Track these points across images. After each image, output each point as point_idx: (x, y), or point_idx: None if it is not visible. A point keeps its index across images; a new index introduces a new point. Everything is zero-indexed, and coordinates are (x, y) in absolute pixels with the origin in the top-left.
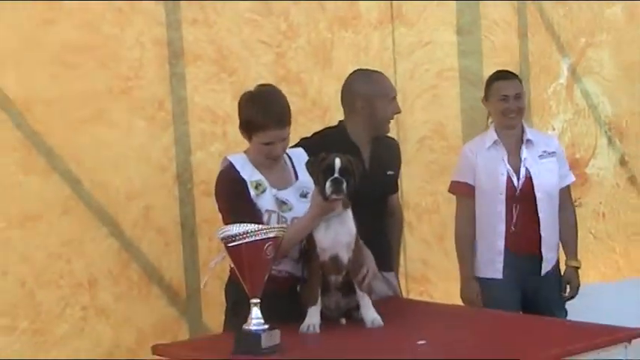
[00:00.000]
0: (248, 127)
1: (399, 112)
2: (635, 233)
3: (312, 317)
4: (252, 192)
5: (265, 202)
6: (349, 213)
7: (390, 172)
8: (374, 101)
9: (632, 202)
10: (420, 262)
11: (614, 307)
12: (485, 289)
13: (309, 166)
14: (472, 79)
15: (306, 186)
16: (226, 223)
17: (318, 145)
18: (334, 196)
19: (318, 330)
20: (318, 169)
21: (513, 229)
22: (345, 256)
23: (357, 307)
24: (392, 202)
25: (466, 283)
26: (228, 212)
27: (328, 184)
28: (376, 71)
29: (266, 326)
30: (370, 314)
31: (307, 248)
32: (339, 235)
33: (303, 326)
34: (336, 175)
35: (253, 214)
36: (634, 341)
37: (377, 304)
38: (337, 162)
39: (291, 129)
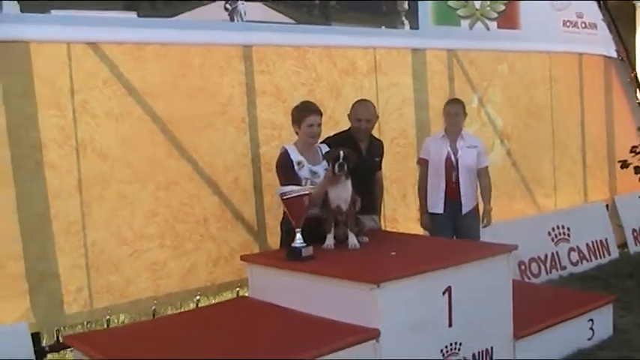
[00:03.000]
0: (300, 116)
1: (366, 128)
2: (514, 194)
3: (329, 240)
4: (296, 167)
5: (304, 173)
6: (349, 182)
7: (377, 159)
8: (350, 120)
9: (512, 176)
10: (392, 210)
11: (505, 236)
12: (434, 220)
13: (325, 155)
14: (422, 105)
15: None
16: (280, 182)
17: (336, 141)
18: (339, 173)
19: (332, 247)
20: (330, 157)
21: (453, 186)
22: (344, 206)
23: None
24: (378, 176)
25: (423, 216)
26: (281, 179)
27: (336, 165)
28: (361, 101)
29: (305, 244)
30: (352, 241)
31: (324, 200)
32: (341, 194)
33: (324, 245)
34: (341, 160)
35: (296, 181)
36: (512, 252)
37: (367, 233)
38: (341, 153)
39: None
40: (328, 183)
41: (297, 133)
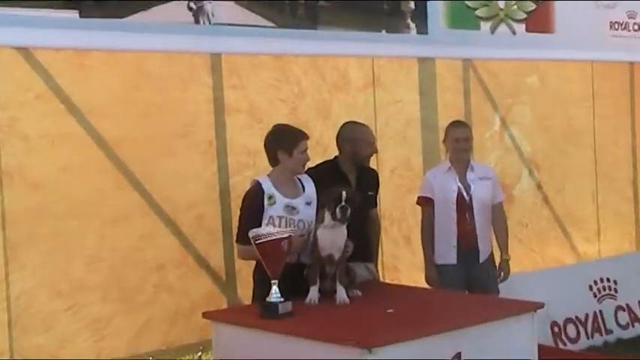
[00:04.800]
0: (293, 140)
1: (376, 153)
2: (547, 237)
3: (312, 293)
4: (266, 202)
5: (275, 210)
6: (344, 227)
7: (370, 193)
8: (357, 144)
9: (545, 215)
10: (392, 256)
11: (533, 291)
12: (443, 273)
13: (323, 197)
14: (430, 127)
15: (309, 196)
16: (239, 225)
17: (319, 173)
18: (340, 218)
19: (317, 302)
20: (330, 198)
21: (467, 229)
22: (336, 256)
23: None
24: (372, 214)
25: (428, 268)
26: (241, 221)
27: (337, 210)
28: (360, 123)
29: (282, 299)
30: (340, 295)
31: (312, 244)
32: (336, 241)
33: (307, 299)
34: (343, 203)
35: (256, 224)
36: (539, 311)
37: (360, 286)
38: (344, 194)
39: None
40: (321, 228)
41: (272, 164)
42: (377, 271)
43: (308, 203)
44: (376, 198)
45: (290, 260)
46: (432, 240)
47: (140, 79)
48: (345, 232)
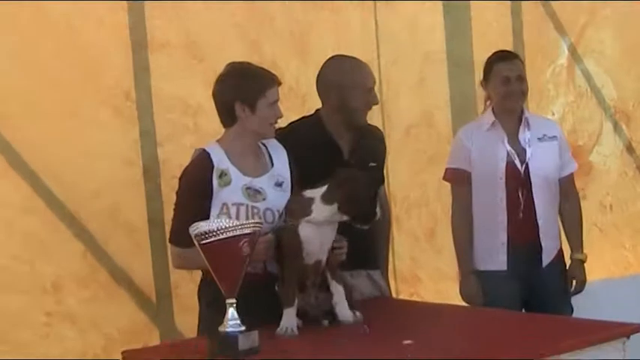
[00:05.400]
0: (252, 93)
1: (376, 104)
2: None
3: (289, 319)
4: (216, 182)
5: (230, 194)
6: (336, 223)
7: (373, 164)
8: (347, 92)
9: (639, 191)
10: (410, 259)
11: (622, 305)
12: (487, 283)
13: (339, 188)
14: (461, 63)
15: (281, 174)
16: (174, 218)
17: (294, 136)
18: (362, 226)
19: (296, 332)
20: (353, 191)
21: (521, 215)
22: (324, 260)
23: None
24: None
25: (465, 278)
26: (178, 207)
27: (379, 210)
28: (353, 58)
29: (243, 327)
30: (345, 311)
31: (288, 247)
32: (325, 242)
33: (281, 328)
34: (376, 205)
35: (202, 213)
36: (633, 337)
37: (361, 305)
38: (380, 187)
39: None
40: (303, 223)
41: (226, 125)
42: (387, 282)
43: (279, 184)
44: (383, 172)
45: (253, 270)
46: (469, 235)
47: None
48: (336, 226)
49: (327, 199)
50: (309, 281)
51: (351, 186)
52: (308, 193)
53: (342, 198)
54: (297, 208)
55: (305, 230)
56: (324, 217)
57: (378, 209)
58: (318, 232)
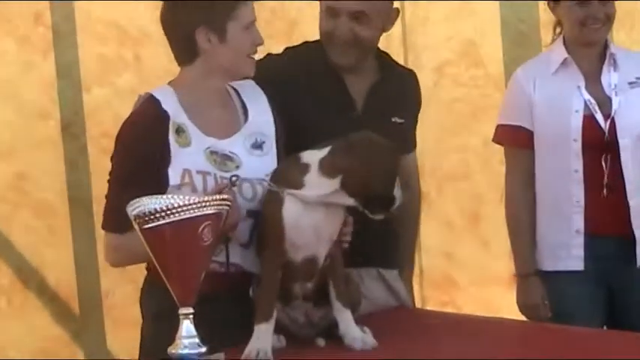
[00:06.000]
0: (220, 13)
1: (386, 31)
2: None
3: (262, 339)
4: (173, 140)
5: (189, 159)
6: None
7: (396, 120)
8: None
9: None
10: (442, 256)
11: None
12: (555, 289)
13: (341, 156)
14: None
15: (260, 131)
16: (109, 192)
17: (282, 73)
18: (377, 215)
19: (270, 357)
20: (378, 170)
21: (605, 193)
22: (322, 257)
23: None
24: (404, 167)
25: (524, 282)
26: (116, 176)
27: (398, 192)
28: None
29: (203, 348)
30: (354, 332)
31: (266, 235)
32: (322, 229)
33: (248, 352)
34: (395, 190)
35: (152, 185)
36: None
37: (371, 318)
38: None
39: None
40: (289, 198)
41: (182, 61)
42: (410, 286)
43: (257, 145)
44: (413, 131)
45: (221, 268)
46: (530, 220)
47: None
48: (342, 211)
49: (326, 168)
50: (298, 287)
51: (363, 155)
52: (305, 156)
53: (347, 171)
54: (284, 176)
55: (290, 209)
56: (318, 194)
57: (398, 192)
58: (310, 214)
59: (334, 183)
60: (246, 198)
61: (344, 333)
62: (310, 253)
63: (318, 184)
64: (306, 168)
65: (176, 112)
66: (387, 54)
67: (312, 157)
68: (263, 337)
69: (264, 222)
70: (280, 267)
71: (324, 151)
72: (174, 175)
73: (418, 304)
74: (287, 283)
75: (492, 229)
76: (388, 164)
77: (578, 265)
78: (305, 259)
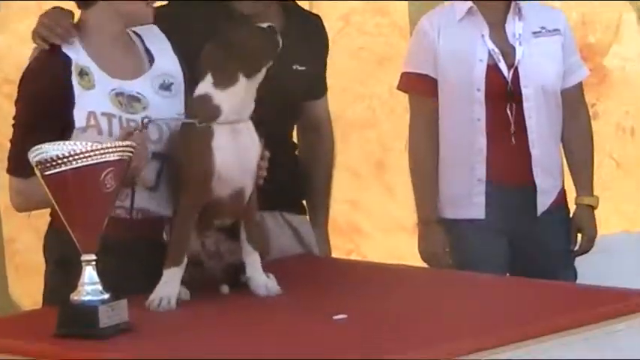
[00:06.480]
0: None
1: None
2: None
3: (170, 284)
4: (76, 82)
5: (93, 101)
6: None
7: (297, 67)
8: None
9: None
10: (347, 203)
11: None
12: (457, 237)
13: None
14: None
15: (167, 73)
16: (13, 138)
17: (184, 16)
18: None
19: (173, 305)
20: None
21: (514, 142)
22: (249, 189)
23: (243, 269)
24: (314, 113)
25: (427, 229)
26: (18, 121)
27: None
28: None
29: (106, 295)
30: (259, 277)
31: (190, 175)
32: (247, 157)
33: (152, 300)
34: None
35: (50, 133)
36: None
37: (277, 265)
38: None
39: None
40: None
41: (81, 6)
42: (326, 236)
43: (165, 87)
44: (323, 77)
45: (126, 214)
46: (433, 168)
47: None
48: (258, 138)
49: (216, 77)
50: (219, 222)
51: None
52: (201, 87)
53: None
54: (201, 111)
55: (221, 140)
56: (229, 110)
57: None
58: (237, 144)
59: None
60: (153, 140)
61: (250, 277)
62: (238, 187)
63: (232, 96)
64: (209, 95)
65: (78, 56)
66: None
67: (205, 83)
68: (171, 282)
69: (188, 161)
70: (200, 208)
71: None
72: (79, 118)
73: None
74: (209, 220)
75: (397, 177)
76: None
77: (479, 213)
78: (233, 193)
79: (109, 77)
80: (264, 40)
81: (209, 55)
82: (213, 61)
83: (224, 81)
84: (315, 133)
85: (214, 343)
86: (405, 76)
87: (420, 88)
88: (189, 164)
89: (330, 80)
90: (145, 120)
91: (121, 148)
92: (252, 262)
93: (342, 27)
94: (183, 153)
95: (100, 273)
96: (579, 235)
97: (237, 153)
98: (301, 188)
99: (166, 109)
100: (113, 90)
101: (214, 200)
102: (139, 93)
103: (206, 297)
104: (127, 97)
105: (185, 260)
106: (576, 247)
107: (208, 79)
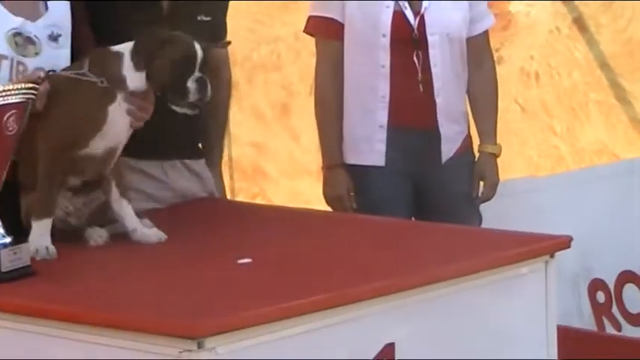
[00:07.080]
0: None
1: None
2: (583, 103)
3: (42, 236)
4: None
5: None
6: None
7: (202, 17)
8: None
9: (578, 55)
10: (251, 147)
11: (548, 214)
12: (360, 182)
13: (143, 47)
14: None
15: (57, 24)
16: None
17: None
18: (198, 100)
19: (54, 253)
20: (169, 61)
21: (419, 89)
22: (122, 145)
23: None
24: (213, 57)
25: (331, 173)
26: None
27: (193, 84)
28: None
29: (8, 239)
30: (144, 227)
31: (64, 123)
32: (133, 120)
33: (35, 249)
34: (197, 72)
35: None
36: (561, 255)
37: (180, 209)
38: (199, 54)
39: None
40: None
41: None
42: (220, 177)
43: (54, 37)
44: (225, 21)
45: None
46: (338, 112)
47: None
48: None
49: (135, 61)
50: (73, 179)
51: (166, 55)
52: (116, 49)
53: (150, 65)
54: (103, 69)
55: (118, 105)
56: (135, 85)
57: (193, 85)
58: (128, 108)
59: (143, 77)
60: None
61: (134, 229)
62: (114, 144)
63: (135, 78)
64: (119, 57)
65: None
66: None
67: (123, 49)
68: (43, 233)
69: (74, 113)
70: (69, 161)
71: (130, 44)
72: None
73: (228, 196)
74: (71, 175)
75: (302, 122)
76: (191, 66)
77: (379, 160)
78: (108, 149)
79: (9, 14)
80: (186, 69)
81: (146, 43)
82: (145, 49)
83: (141, 68)
84: (213, 77)
85: (116, 287)
86: (312, 19)
87: (327, 32)
88: (75, 117)
89: (235, 22)
90: (51, 72)
91: (24, 90)
92: (132, 215)
93: None
94: (72, 105)
95: (3, 215)
96: (482, 183)
97: (124, 118)
98: (198, 133)
99: (53, 60)
100: (12, 29)
101: (85, 154)
102: (35, 37)
103: (110, 245)
104: (25, 37)
105: (54, 210)
106: (480, 194)
107: (129, 56)
